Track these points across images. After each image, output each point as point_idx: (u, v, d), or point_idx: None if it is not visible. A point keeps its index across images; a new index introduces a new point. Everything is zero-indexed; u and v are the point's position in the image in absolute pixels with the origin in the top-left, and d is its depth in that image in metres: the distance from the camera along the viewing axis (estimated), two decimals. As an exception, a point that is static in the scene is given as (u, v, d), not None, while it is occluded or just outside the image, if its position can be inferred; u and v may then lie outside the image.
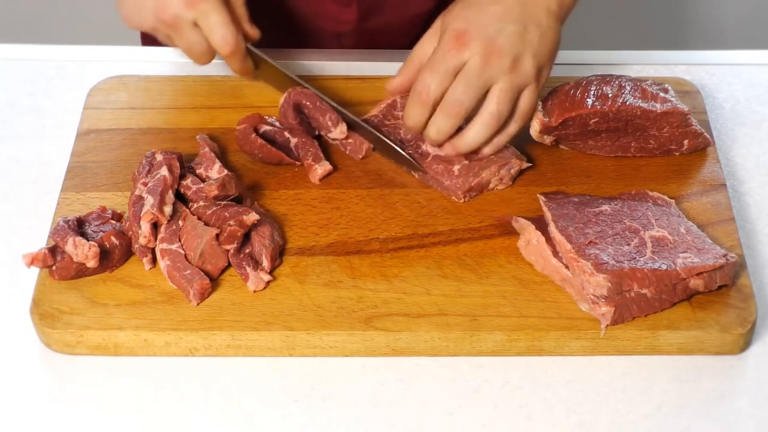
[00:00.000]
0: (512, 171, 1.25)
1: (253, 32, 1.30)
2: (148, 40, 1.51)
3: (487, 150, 1.24)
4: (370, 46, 1.51)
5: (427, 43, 1.26)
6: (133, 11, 1.26)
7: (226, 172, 1.21)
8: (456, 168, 1.24)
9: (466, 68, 1.19)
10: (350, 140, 1.28)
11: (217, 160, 1.23)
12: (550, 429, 1.07)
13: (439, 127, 1.22)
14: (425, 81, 1.21)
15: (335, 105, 1.30)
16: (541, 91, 1.24)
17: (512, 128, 1.24)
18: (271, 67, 1.33)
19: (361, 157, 1.28)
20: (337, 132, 1.27)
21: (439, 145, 1.25)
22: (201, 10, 1.23)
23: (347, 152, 1.29)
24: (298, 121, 1.28)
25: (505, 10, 1.20)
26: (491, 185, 1.25)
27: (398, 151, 1.26)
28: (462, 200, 1.24)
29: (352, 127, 1.29)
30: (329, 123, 1.27)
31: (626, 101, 1.23)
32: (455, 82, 1.20)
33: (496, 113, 1.20)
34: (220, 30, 1.24)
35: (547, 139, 1.27)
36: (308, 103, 1.29)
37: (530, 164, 1.26)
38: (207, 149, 1.24)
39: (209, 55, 1.28)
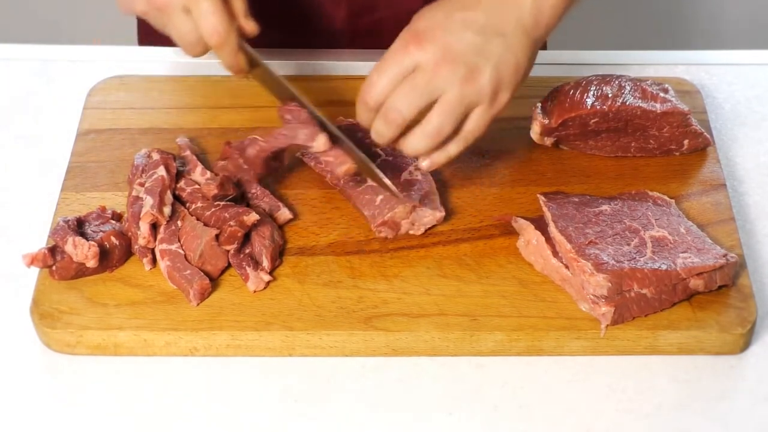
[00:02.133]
0: (425, 220, 1.19)
1: (250, 27, 1.20)
2: (145, 39, 1.52)
3: (424, 165, 1.16)
4: (364, 43, 1.50)
5: None
6: None
7: (208, 174, 1.21)
8: (378, 198, 1.19)
9: (414, 74, 1.11)
10: (330, 158, 1.19)
11: (199, 163, 1.23)
12: (550, 429, 1.07)
13: (377, 131, 1.14)
14: (371, 80, 1.14)
15: (322, 118, 1.20)
16: (496, 117, 1.14)
17: (452, 149, 1.15)
18: (266, 71, 1.24)
19: (341, 173, 1.18)
20: (319, 144, 1.18)
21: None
22: None
23: (327, 172, 1.23)
24: (266, 171, 1.21)
25: (471, 17, 1.12)
26: (403, 228, 1.19)
27: (380, 177, 1.17)
28: (380, 234, 1.19)
29: (337, 143, 1.19)
30: (309, 136, 1.18)
31: (626, 101, 1.23)
32: (399, 87, 1.12)
33: (436, 126, 1.12)
34: (210, 18, 1.15)
35: (548, 141, 1.27)
36: (290, 117, 1.20)
37: (443, 214, 1.19)
38: (188, 152, 1.24)
39: (201, 45, 1.17)
